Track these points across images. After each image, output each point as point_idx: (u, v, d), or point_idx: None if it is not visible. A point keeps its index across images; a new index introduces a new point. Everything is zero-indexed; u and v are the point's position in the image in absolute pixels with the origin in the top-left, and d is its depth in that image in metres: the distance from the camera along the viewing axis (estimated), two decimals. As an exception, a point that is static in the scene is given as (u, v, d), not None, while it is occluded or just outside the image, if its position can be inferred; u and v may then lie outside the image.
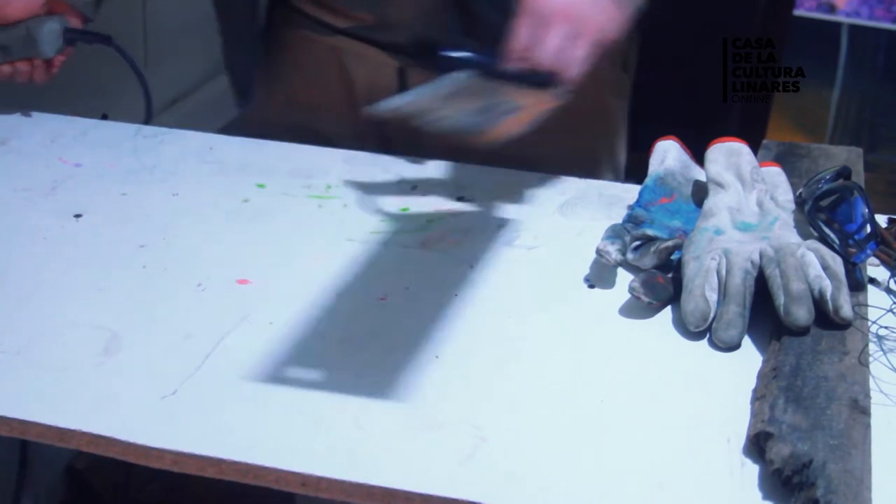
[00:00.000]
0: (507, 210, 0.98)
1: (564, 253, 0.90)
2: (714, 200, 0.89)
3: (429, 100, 0.84)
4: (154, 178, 1.03)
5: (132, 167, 1.06)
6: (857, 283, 0.82)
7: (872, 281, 0.84)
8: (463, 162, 1.08)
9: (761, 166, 0.93)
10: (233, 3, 1.17)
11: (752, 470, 0.65)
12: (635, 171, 1.07)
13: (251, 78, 1.20)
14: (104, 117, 1.22)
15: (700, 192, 0.94)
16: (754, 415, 0.68)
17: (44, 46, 1.07)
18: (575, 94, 0.95)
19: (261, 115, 1.22)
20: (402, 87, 1.12)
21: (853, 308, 0.77)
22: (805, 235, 0.85)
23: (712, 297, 0.79)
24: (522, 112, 0.88)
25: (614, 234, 0.87)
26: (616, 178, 1.21)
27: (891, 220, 0.92)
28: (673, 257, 0.86)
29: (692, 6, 2.34)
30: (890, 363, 0.75)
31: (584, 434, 0.69)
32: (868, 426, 0.66)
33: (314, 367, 0.75)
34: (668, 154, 0.99)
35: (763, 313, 0.78)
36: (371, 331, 0.79)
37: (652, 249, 0.86)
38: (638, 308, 0.81)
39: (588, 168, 1.12)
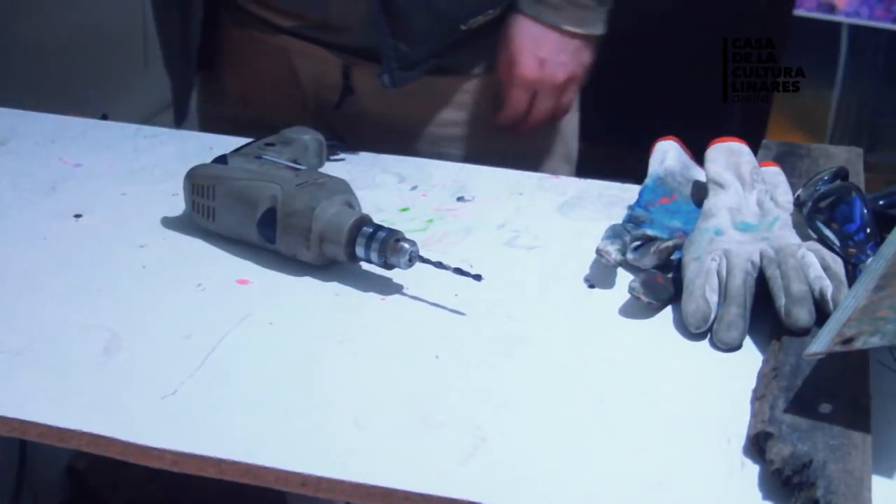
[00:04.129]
0: (507, 210, 0.98)
1: (564, 253, 0.90)
2: (714, 201, 0.89)
3: None
4: (154, 178, 1.04)
5: (132, 167, 1.06)
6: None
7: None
8: (405, 150, 1.11)
9: (761, 166, 0.93)
10: (171, 9, 1.18)
11: (752, 470, 0.65)
12: (635, 170, 1.07)
13: (189, 87, 1.23)
14: (104, 117, 1.22)
15: (700, 193, 0.94)
16: (754, 415, 0.68)
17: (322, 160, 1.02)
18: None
19: (218, 111, 1.26)
20: (347, 84, 1.17)
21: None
22: (804, 236, 0.85)
23: (713, 298, 0.79)
24: None
25: (614, 234, 0.87)
26: (570, 167, 1.26)
27: (891, 220, 0.91)
28: (673, 257, 0.86)
29: (692, 6, 2.34)
30: (890, 363, 0.75)
31: (583, 434, 0.68)
32: (868, 426, 0.66)
33: (314, 367, 0.75)
34: (667, 154, 0.99)
35: (763, 314, 0.78)
36: (371, 331, 0.80)
37: (652, 249, 0.86)
38: (638, 308, 0.81)
39: (538, 159, 1.21)
